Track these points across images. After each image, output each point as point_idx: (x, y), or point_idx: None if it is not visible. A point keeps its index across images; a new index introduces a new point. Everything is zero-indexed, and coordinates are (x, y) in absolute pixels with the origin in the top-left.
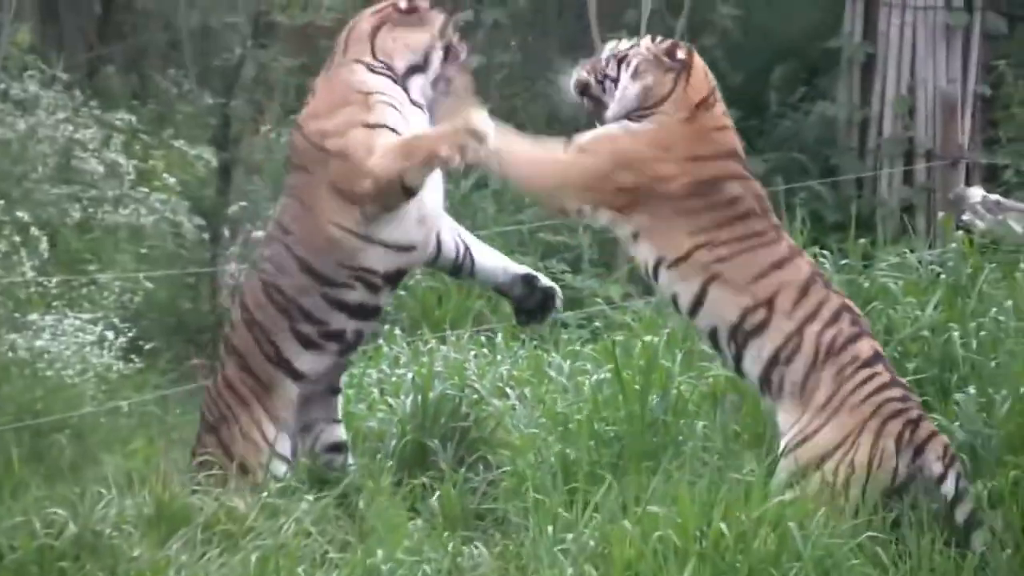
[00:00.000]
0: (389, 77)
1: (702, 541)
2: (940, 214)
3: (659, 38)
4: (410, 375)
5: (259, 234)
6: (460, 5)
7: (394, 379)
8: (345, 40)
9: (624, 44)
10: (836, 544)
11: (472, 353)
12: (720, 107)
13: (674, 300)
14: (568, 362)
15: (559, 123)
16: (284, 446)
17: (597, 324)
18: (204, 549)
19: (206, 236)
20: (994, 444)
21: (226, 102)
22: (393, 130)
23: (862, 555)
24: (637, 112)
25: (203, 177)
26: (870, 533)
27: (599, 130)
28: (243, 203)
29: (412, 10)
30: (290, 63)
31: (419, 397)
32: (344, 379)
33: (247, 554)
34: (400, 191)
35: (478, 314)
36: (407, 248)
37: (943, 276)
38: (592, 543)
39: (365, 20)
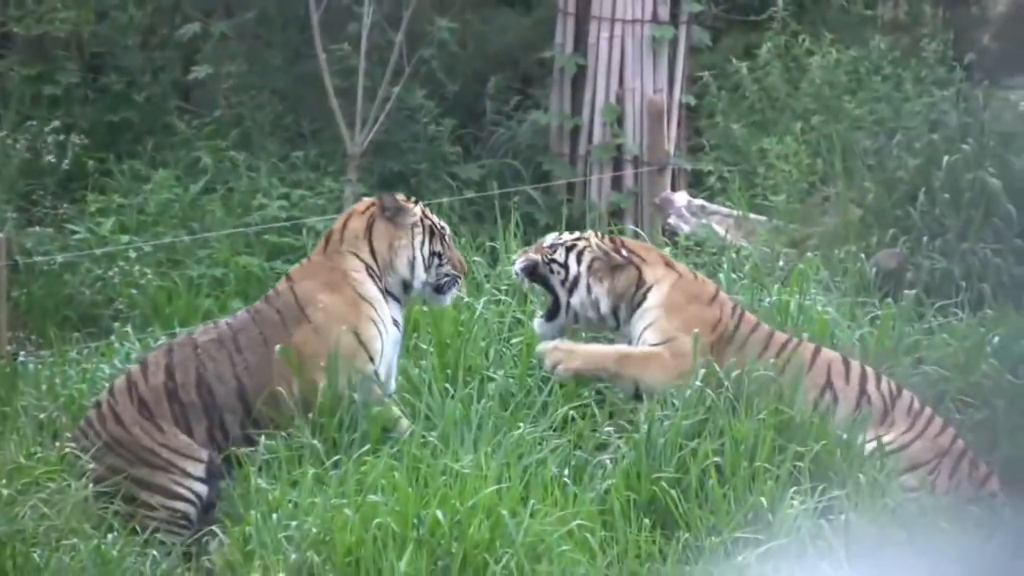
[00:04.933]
0: None
1: (419, 528)
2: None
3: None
4: None
5: None
6: (188, 19)
7: (123, 374)
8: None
9: (568, 235)
10: (547, 531)
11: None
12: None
13: None
14: None
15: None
16: None
17: None
18: None
19: None
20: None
21: None
22: None
23: (572, 541)
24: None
25: None
26: (579, 521)
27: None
28: None
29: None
30: (26, 72)
31: None
32: None
33: None
34: None
35: (207, 311)
36: None
37: None
38: (315, 530)
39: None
